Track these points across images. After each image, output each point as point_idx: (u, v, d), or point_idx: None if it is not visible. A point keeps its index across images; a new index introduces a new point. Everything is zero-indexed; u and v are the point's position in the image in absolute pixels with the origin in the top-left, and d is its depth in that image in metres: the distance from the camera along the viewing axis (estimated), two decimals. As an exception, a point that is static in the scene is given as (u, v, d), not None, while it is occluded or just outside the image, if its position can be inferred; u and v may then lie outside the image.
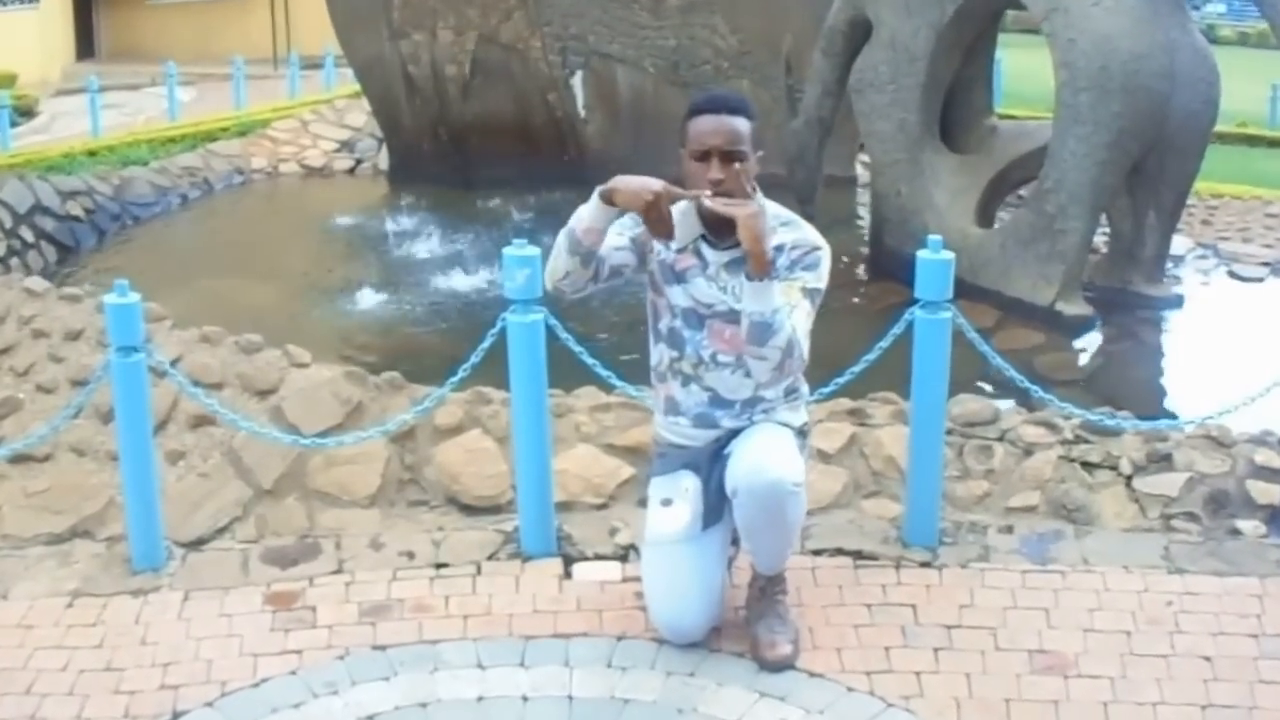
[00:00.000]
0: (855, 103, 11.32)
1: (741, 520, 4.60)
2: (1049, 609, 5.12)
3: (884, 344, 5.45)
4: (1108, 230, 10.64)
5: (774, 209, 4.63)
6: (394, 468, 6.03)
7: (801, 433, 4.83)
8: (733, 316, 4.53)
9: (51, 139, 19.79)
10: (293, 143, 18.70)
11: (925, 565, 5.43)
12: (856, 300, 10.48)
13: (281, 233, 14.21)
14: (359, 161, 18.44)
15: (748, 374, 4.60)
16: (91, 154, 16.33)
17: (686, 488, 4.72)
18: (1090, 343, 9.49)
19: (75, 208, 13.72)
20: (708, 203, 4.34)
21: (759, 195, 4.51)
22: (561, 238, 4.53)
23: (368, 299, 10.73)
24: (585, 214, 4.48)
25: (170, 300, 10.40)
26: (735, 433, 4.71)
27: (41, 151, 16.64)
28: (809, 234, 4.63)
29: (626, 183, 4.38)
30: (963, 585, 5.28)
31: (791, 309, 4.44)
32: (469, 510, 5.94)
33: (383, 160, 17.96)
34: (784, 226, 4.60)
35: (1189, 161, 9.87)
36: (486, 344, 5.32)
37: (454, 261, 12.08)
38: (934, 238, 5.29)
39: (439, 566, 5.42)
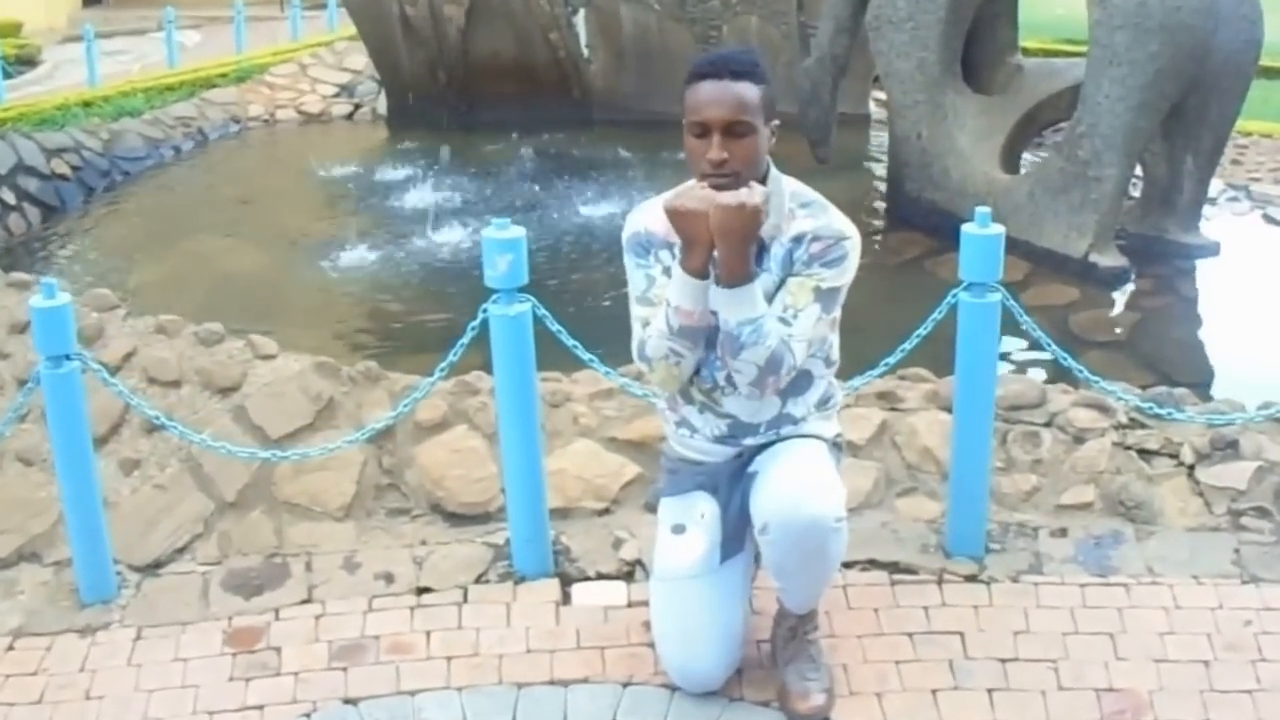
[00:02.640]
0: (872, 41, 10.63)
1: (772, 560, 3.93)
2: (1115, 634, 4.50)
3: (924, 331, 4.79)
4: (1141, 175, 9.95)
5: (792, 188, 3.91)
6: (371, 472, 5.40)
7: (836, 445, 4.16)
8: None
9: (50, 89, 19.12)
10: (290, 88, 18.08)
11: (972, 579, 4.81)
12: (875, 251, 9.86)
13: (273, 186, 13.55)
14: (357, 106, 17.81)
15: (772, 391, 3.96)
16: (87, 105, 15.70)
17: (703, 513, 4.06)
18: (1127, 298, 8.83)
19: (61, 165, 13.09)
20: (672, 204, 3.73)
21: (773, 174, 3.86)
22: (667, 343, 3.81)
23: (358, 259, 10.07)
24: (687, 302, 3.75)
25: (151, 265, 10.04)
26: (759, 448, 4.04)
27: (35, 104, 15.96)
28: (834, 220, 3.87)
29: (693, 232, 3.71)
30: (1015, 605, 4.65)
31: (797, 313, 3.79)
32: (455, 519, 5.31)
33: (382, 105, 17.34)
34: (804, 209, 3.87)
35: (1230, 104, 9.20)
36: (467, 339, 4.66)
37: (452, 213, 11.48)
38: (981, 210, 4.57)
39: (420, 592, 4.79)
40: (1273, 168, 12.16)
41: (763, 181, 3.78)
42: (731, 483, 4.05)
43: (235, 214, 11.94)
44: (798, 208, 3.85)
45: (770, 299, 3.80)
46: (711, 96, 3.70)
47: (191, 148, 15.57)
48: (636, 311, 3.96)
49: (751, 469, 4.00)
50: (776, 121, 3.83)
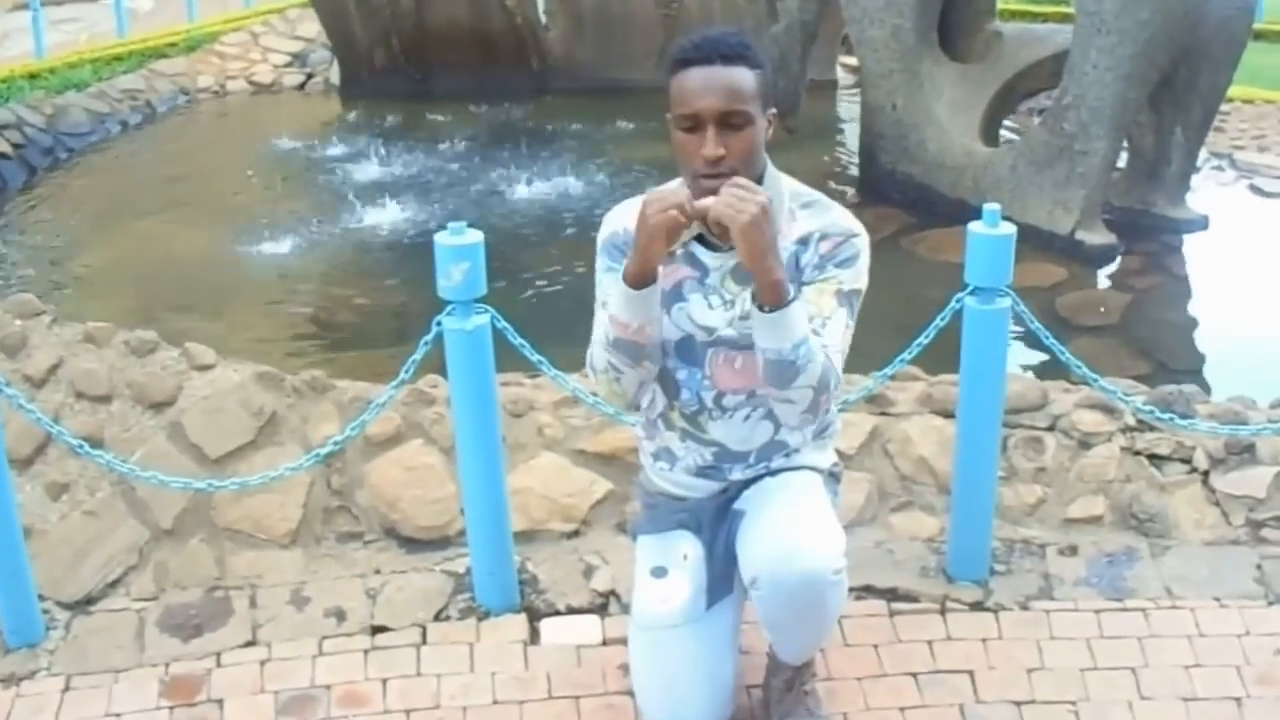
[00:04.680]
0: (845, 7, 10.26)
1: (764, 615, 3.49)
2: (1137, 669, 4.11)
3: (925, 339, 4.37)
4: (1126, 147, 9.56)
5: (790, 187, 3.43)
6: (318, 493, 4.94)
7: (832, 475, 3.73)
8: (743, 341, 3.37)
9: (-3, 61, 18.51)
10: (241, 58, 17.57)
11: (977, 607, 4.41)
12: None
13: (221, 163, 13.09)
14: (309, 76, 17.33)
15: (765, 416, 3.50)
16: (33, 77, 15.18)
17: (685, 554, 3.61)
18: (1116, 277, 8.51)
19: (2, 143, 12.65)
20: (699, 204, 3.16)
21: (771, 172, 3.38)
22: (605, 355, 3.36)
23: (306, 242, 9.68)
24: (624, 313, 3.26)
25: (93, 251, 9.64)
26: (746, 482, 3.60)
27: (-23, 77, 15.41)
28: (840, 217, 3.40)
29: (644, 244, 3.18)
30: (1027, 637, 4.26)
31: (825, 321, 3.30)
32: (411, 545, 4.86)
33: (335, 74, 16.86)
34: (805, 210, 3.40)
35: (1221, 73, 8.86)
36: (419, 355, 4.18)
37: (405, 191, 11.13)
38: (990, 207, 4.10)
39: (375, 631, 4.35)
40: (1256, 135, 11.83)
41: (759, 180, 3.33)
42: (716, 521, 3.61)
43: (180, 194, 11.52)
44: (798, 208, 3.39)
45: None
46: (702, 84, 3.22)
47: (139, 121, 15.10)
48: (601, 318, 3.45)
49: (738, 505, 3.56)
50: (774, 110, 3.36)
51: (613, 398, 3.48)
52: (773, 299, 3.15)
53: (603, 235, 3.55)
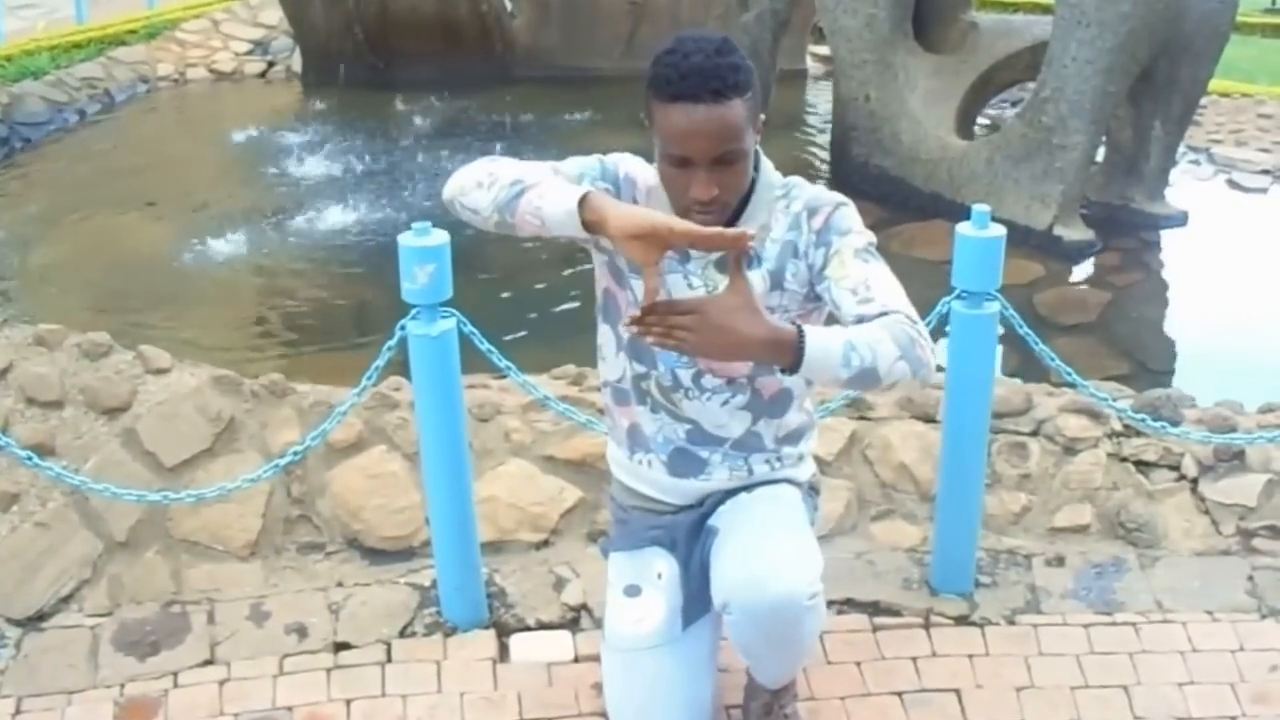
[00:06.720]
0: (817, -4, 10.08)
1: (737, 640, 3.31)
2: (1129, 686, 3.98)
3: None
4: (1105, 141, 9.42)
5: (768, 178, 3.19)
6: (278, 502, 4.76)
7: (812, 489, 3.57)
8: None
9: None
10: (202, 45, 17.21)
11: (963, 621, 4.26)
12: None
13: (179, 153, 12.77)
14: (271, 64, 16.99)
15: (744, 406, 3.31)
16: (-12, 66, 14.85)
17: (659, 572, 3.44)
18: (1094, 274, 8.35)
19: (-45, 135, 12.33)
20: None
21: (763, 166, 3.18)
22: (504, 188, 2.99)
23: (265, 237, 9.41)
24: (550, 212, 2.89)
25: (48, 247, 9.38)
26: (723, 496, 3.42)
27: (-67, 68, 15.08)
28: (819, 191, 3.20)
29: (629, 227, 2.79)
30: (1015, 653, 4.11)
31: (866, 284, 3.01)
32: (375, 556, 4.69)
33: (297, 62, 16.57)
34: (783, 200, 3.19)
35: (1203, 67, 8.72)
36: (382, 361, 4.01)
37: (368, 183, 10.89)
38: (979, 208, 3.94)
39: (339, 648, 4.17)
40: (1233, 129, 11.70)
41: (751, 187, 3.15)
42: (691, 537, 3.43)
43: (137, 187, 11.16)
44: (776, 198, 3.20)
45: (769, 293, 3.17)
46: (692, 127, 2.91)
47: (97, 110, 14.74)
48: (526, 173, 3.05)
49: (712, 522, 3.38)
50: (763, 116, 3.11)
51: (458, 192, 3.13)
52: (786, 358, 2.85)
53: (613, 157, 3.29)
